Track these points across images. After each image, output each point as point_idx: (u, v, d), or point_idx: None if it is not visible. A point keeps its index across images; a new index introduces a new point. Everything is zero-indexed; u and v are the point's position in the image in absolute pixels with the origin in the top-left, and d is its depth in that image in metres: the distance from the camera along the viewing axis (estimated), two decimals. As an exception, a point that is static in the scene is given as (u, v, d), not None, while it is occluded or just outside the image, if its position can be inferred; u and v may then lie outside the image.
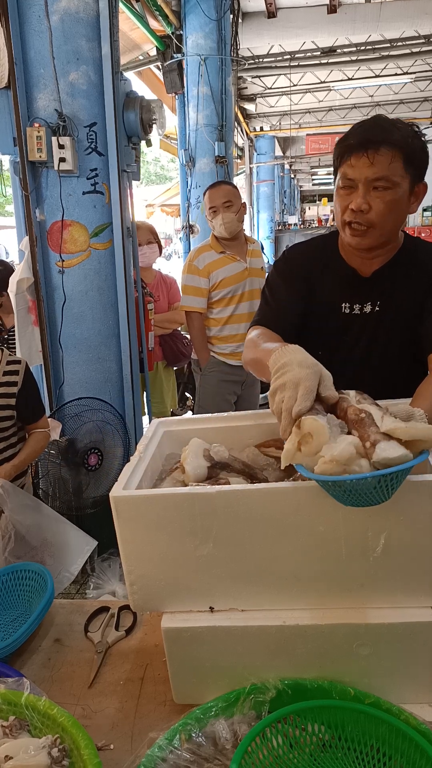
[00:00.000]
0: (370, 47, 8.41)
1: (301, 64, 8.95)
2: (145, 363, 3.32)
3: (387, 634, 0.92)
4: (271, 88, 10.79)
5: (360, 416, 0.88)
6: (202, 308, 3.20)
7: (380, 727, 0.84)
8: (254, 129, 13.16)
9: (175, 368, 3.88)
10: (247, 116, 12.29)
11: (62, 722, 0.84)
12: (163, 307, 3.69)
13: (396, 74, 10.27)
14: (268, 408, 0.98)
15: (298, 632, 0.94)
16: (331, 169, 1.41)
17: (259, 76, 9.94)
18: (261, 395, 3.62)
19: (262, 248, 8.43)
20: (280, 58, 8.64)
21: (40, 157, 2.64)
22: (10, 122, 2.66)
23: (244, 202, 3.25)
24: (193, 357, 3.45)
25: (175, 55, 6.01)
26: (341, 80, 10.39)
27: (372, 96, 12.42)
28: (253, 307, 3.16)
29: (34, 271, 2.79)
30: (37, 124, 2.63)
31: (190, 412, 4.09)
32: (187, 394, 4.33)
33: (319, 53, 8.63)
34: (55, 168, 2.66)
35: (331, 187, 1.56)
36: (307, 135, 13.79)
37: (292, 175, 20.85)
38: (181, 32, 5.87)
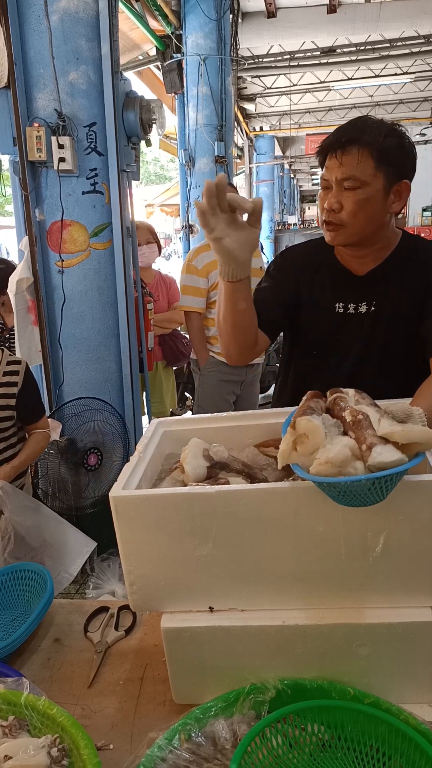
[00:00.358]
0: (370, 47, 8.41)
1: (300, 64, 8.96)
2: (144, 363, 3.32)
3: (386, 634, 0.92)
4: (270, 88, 10.79)
5: (357, 418, 0.89)
6: (201, 308, 3.20)
7: (380, 727, 0.84)
8: (254, 129, 13.15)
9: (174, 368, 3.88)
10: (247, 116, 12.29)
11: (62, 722, 0.84)
12: (163, 307, 3.69)
13: (396, 74, 10.27)
14: (268, 408, 0.99)
15: (297, 632, 0.94)
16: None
17: (258, 76, 9.94)
18: (260, 395, 3.62)
19: (262, 248, 8.44)
20: (280, 58, 8.64)
21: (40, 156, 2.64)
22: (10, 122, 2.66)
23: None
24: (192, 357, 3.45)
25: (174, 55, 6.01)
26: (341, 80, 10.39)
27: (372, 96, 12.43)
28: (252, 307, 3.15)
29: (34, 271, 2.79)
30: (36, 124, 2.63)
31: (189, 412, 4.09)
32: (186, 393, 4.33)
33: (318, 53, 8.63)
34: (55, 168, 2.66)
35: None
36: (307, 135, 13.79)
37: (292, 175, 20.85)
38: (181, 32, 5.87)
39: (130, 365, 3.00)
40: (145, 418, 3.49)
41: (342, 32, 7.65)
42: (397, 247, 1.42)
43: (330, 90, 11.33)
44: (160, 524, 0.94)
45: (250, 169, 13.08)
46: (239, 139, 11.85)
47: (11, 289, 2.77)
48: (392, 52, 8.59)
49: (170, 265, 14.85)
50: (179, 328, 3.75)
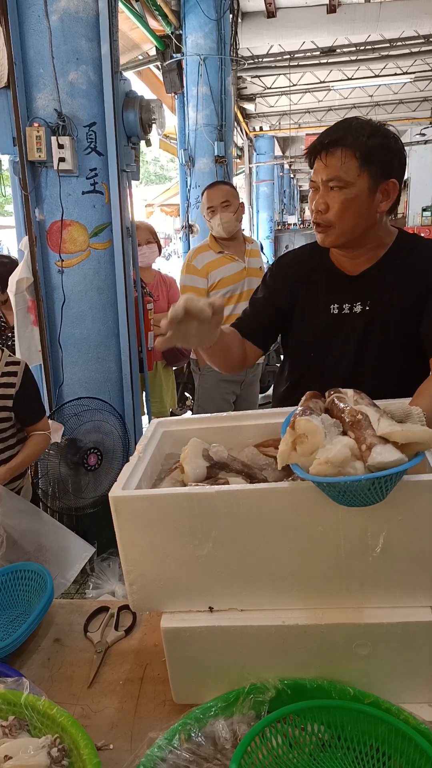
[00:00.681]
0: (370, 47, 8.39)
1: (300, 64, 8.94)
2: (144, 363, 3.31)
3: (386, 633, 0.92)
4: (270, 88, 10.78)
5: (356, 418, 0.89)
6: (202, 308, 3.19)
7: (380, 727, 0.84)
8: (254, 129, 13.15)
9: (174, 368, 3.88)
10: (247, 116, 12.28)
11: (62, 722, 0.84)
12: (163, 306, 3.68)
13: (395, 74, 10.26)
14: (268, 408, 0.99)
15: (297, 632, 0.94)
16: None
17: (258, 76, 9.93)
18: (260, 395, 3.62)
19: (261, 248, 8.43)
20: (280, 57, 8.63)
21: (40, 156, 2.64)
22: (10, 122, 2.66)
23: (242, 202, 3.25)
24: (192, 357, 3.45)
25: (174, 55, 6.00)
26: (341, 80, 10.38)
27: (371, 96, 12.42)
28: (251, 307, 3.16)
29: (34, 270, 2.79)
30: (36, 124, 2.63)
31: (189, 412, 4.09)
32: (186, 393, 4.33)
33: (318, 53, 8.62)
34: (55, 168, 2.66)
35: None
36: (307, 135, 13.77)
37: (292, 175, 20.85)
38: (181, 32, 5.87)
39: (130, 365, 3.00)
40: (145, 418, 3.49)
41: (342, 32, 7.64)
42: (393, 246, 1.42)
43: (330, 90, 11.32)
44: (160, 524, 0.94)
45: (250, 169, 13.07)
46: (239, 139, 11.84)
47: (11, 289, 2.77)
48: (392, 52, 8.58)
49: (170, 265, 14.85)
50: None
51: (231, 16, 6.19)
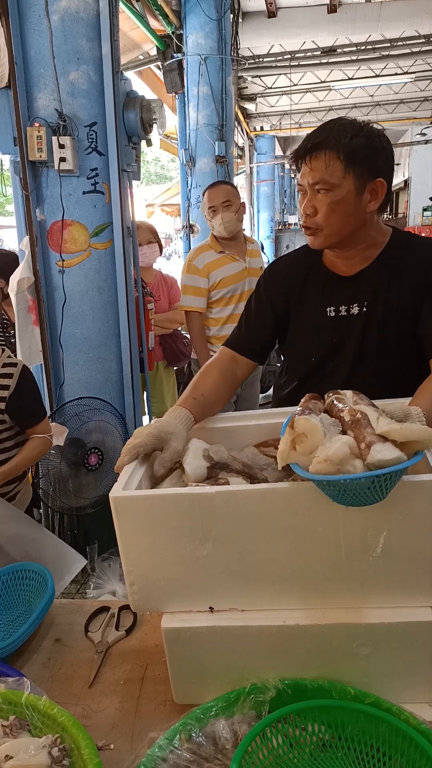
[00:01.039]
0: (370, 47, 8.38)
1: (301, 63, 8.94)
2: (145, 363, 3.32)
3: (387, 633, 0.92)
4: (271, 88, 10.78)
5: (356, 417, 0.89)
6: (202, 308, 3.20)
7: (380, 727, 0.84)
8: (254, 129, 13.14)
9: (175, 368, 3.88)
10: (247, 116, 12.28)
11: (62, 722, 0.84)
12: (164, 306, 3.68)
13: (396, 74, 10.25)
14: (268, 408, 0.99)
15: (297, 632, 0.94)
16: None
17: (259, 76, 9.93)
18: (261, 395, 3.62)
19: (262, 248, 8.43)
20: (281, 57, 8.62)
21: (41, 156, 2.64)
22: (11, 122, 2.66)
23: (243, 202, 3.25)
24: (193, 357, 3.45)
25: (175, 55, 6.00)
26: (341, 80, 10.38)
27: (372, 96, 12.42)
28: (252, 307, 3.16)
29: (35, 270, 2.79)
30: (37, 124, 2.63)
31: (190, 412, 4.07)
32: (187, 393, 4.32)
33: (319, 53, 8.61)
34: (56, 168, 2.66)
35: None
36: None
37: (293, 175, 20.82)
38: (182, 32, 5.87)
39: (131, 365, 3.00)
40: (145, 418, 3.49)
41: (342, 32, 7.64)
42: (387, 245, 1.41)
43: (330, 90, 11.32)
44: (160, 524, 0.94)
45: (251, 168, 13.07)
46: (240, 139, 11.83)
47: (12, 289, 2.77)
48: (393, 52, 8.57)
49: (171, 265, 14.85)
50: (180, 328, 3.75)
51: (232, 15, 6.19)
